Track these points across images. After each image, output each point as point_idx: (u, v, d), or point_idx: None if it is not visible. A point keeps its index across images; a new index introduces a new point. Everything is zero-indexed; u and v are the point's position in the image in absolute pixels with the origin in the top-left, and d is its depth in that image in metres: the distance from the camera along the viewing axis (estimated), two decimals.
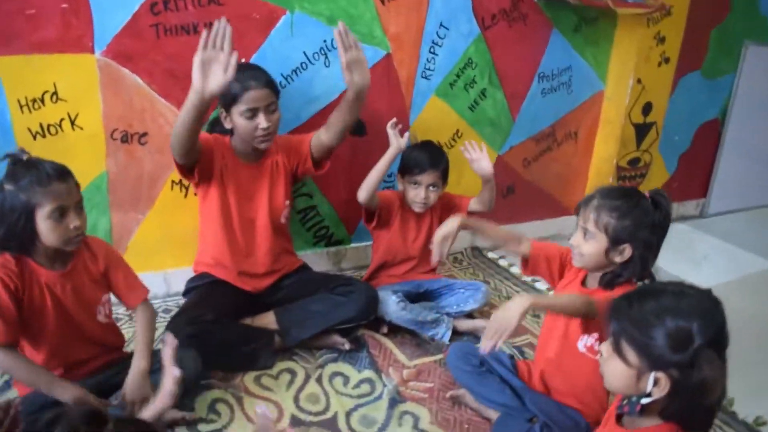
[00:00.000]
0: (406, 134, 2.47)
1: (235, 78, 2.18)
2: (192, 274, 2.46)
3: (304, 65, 2.59)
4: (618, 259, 1.82)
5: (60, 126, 2.33)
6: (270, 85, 2.25)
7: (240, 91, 2.20)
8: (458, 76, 2.91)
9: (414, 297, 2.59)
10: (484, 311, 2.70)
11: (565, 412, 1.97)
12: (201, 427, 2.00)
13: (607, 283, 1.87)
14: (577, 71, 3.26)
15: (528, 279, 3.05)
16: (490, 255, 3.25)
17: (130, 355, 1.98)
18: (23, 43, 2.20)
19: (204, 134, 2.30)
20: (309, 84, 2.62)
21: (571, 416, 1.96)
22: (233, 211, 2.35)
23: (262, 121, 2.23)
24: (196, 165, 2.21)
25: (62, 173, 1.74)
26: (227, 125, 2.29)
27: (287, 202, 2.45)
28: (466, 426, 2.10)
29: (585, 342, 1.92)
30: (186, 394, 2.09)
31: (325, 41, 2.58)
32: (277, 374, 2.27)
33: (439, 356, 2.43)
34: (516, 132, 3.20)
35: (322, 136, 2.38)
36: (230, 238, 2.37)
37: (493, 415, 2.08)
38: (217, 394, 2.15)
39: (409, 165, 2.56)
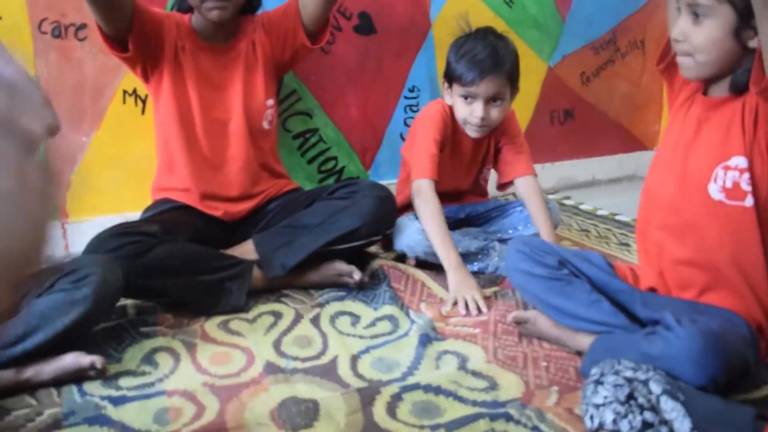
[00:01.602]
0: None
1: None
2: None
3: None
4: (753, 42, 1.07)
5: None
6: None
7: None
8: None
9: (452, 225, 1.71)
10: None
11: (706, 311, 1.10)
12: (123, 381, 1.19)
13: (739, 84, 1.10)
14: None
15: (605, 213, 2.19)
16: (552, 197, 2.39)
17: None
18: None
19: (153, 8, 1.59)
20: None
21: (718, 314, 1.09)
22: (194, 110, 1.59)
23: None
24: (129, 34, 1.48)
25: None
26: None
27: (270, 102, 1.67)
28: (545, 363, 1.23)
29: (722, 180, 1.08)
30: (108, 337, 1.32)
31: None
32: (254, 318, 1.45)
33: (495, 289, 1.59)
34: (567, 37, 2.36)
35: None
36: (192, 146, 1.60)
37: (585, 342, 1.21)
38: (160, 342, 1.34)
39: (457, 69, 1.64)
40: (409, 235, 1.64)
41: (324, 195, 1.61)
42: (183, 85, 1.59)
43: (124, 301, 1.44)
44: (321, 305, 1.49)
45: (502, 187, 1.86)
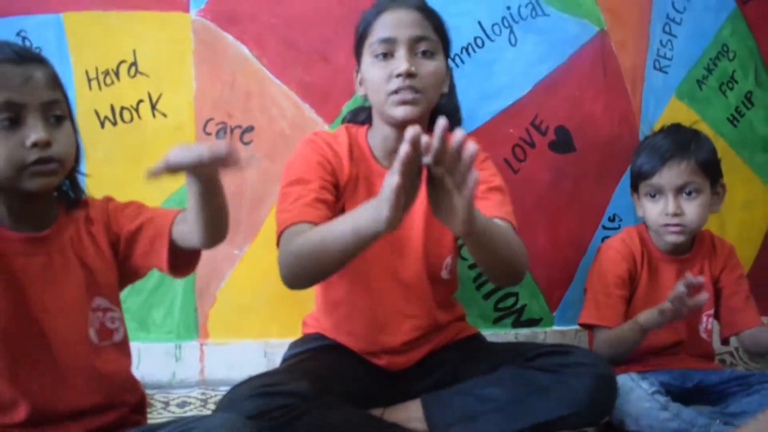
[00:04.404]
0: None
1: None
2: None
3: (479, 41, 1.65)
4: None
5: (137, 110, 1.55)
6: (425, 11, 1.23)
7: (373, 16, 1.24)
8: (709, 70, 1.80)
9: (677, 396, 1.31)
10: None
11: None
12: None
13: None
14: None
15: None
16: None
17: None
18: None
19: (318, 143, 1.28)
20: (487, 69, 1.66)
21: None
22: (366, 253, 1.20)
23: (400, 62, 1.18)
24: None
25: (21, 54, 0.92)
26: (359, 91, 1.30)
27: (454, 245, 1.34)
28: None
29: None
30: None
31: (509, 8, 1.65)
32: None
33: None
34: None
35: None
36: (357, 298, 1.29)
37: None
38: None
39: (639, 163, 1.44)
40: (635, 402, 1.23)
41: (520, 360, 1.22)
42: None
43: None
44: None
45: (726, 341, 1.51)
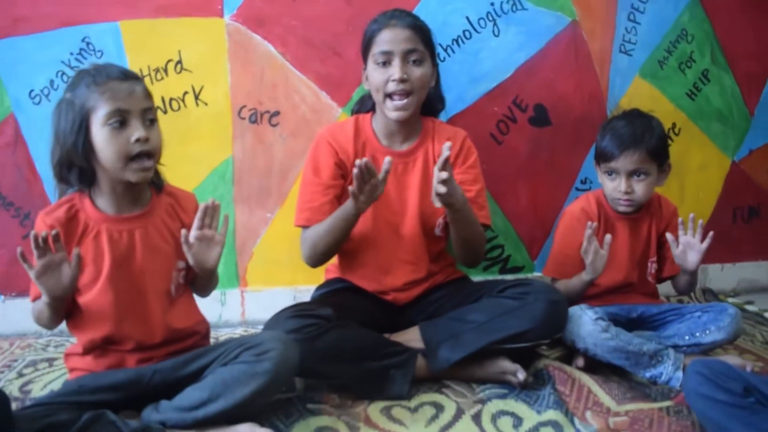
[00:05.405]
0: None
1: (375, 18, 1.67)
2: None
3: (467, 33, 1.99)
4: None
5: (183, 100, 1.91)
6: (416, 28, 1.62)
7: (375, 31, 1.62)
8: (669, 51, 2.11)
9: (624, 324, 1.68)
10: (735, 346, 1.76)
11: None
12: None
13: None
14: None
15: None
16: (731, 300, 2.23)
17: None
18: (149, 5, 1.85)
19: (326, 140, 1.69)
20: (474, 57, 1.99)
21: None
22: (369, 213, 1.61)
23: (395, 70, 1.59)
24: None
25: (125, 73, 1.30)
26: (366, 84, 1.69)
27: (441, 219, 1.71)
28: None
29: None
30: (278, 409, 1.41)
31: (492, 4, 1.97)
32: (415, 407, 1.47)
33: (667, 403, 1.50)
34: (756, 131, 2.25)
35: None
36: (367, 247, 1.69)
37: None
38: (325, 421, 1.40)
39: (602, 146, 1.74)
40: (582, 326, 1.59)
41: (494, 292, 1.61)
42: None
43: None
44: (483, 402, 1.48)
45: (660, 281, 1.87)
